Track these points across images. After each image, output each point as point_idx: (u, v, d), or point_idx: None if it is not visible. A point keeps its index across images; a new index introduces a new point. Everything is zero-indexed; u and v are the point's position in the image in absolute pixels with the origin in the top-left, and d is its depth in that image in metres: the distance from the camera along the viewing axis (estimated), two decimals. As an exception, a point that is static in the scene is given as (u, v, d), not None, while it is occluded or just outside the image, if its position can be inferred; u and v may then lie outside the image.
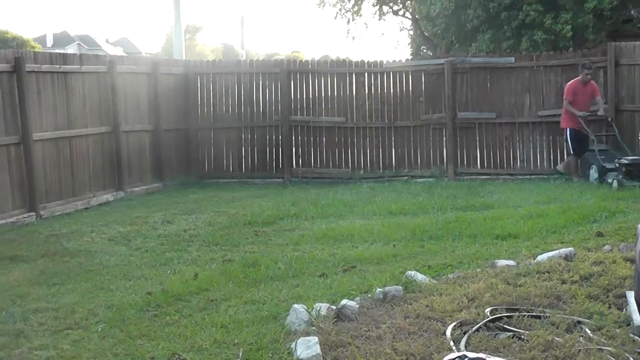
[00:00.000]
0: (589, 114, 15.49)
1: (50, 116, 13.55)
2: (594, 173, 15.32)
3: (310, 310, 6.22)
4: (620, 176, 14.34)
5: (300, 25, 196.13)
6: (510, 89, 17.34)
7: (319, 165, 18.13)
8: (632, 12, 24.65)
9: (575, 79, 15.67)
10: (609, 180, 14.50)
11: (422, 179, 17.20)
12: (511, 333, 5.63)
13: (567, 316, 5.93)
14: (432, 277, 7.61)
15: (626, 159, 14.56)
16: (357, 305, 6.42)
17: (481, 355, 4.04)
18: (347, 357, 5.34)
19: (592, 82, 15.76)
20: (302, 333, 5.83)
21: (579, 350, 5.20)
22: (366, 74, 18.10)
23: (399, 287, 6.91)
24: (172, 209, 13.60)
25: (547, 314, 5.96)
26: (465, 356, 3.94)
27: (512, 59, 17.59)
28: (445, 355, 4.13)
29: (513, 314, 6.00)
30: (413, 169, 17.77)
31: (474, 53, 21.98)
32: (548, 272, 7.23)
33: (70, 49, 75.56)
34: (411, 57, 30.83)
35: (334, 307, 6.35)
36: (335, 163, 18.09)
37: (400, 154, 17.90)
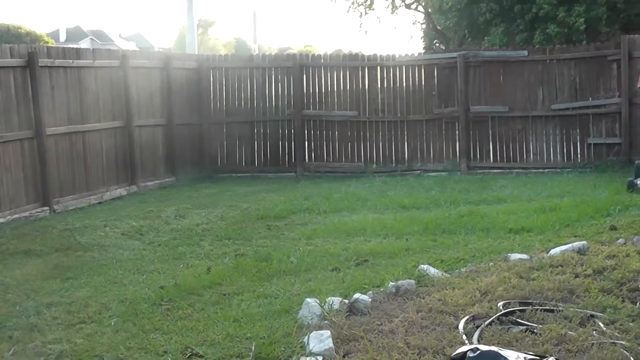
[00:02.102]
0: None
1: (64, 111, 13.59)
2: None
3: (322, 304, 6.22)
4: None
5: (312, 19, 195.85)
6: (523, 83, 17.27)
7: (331, 160, 18.13)
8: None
9: None
10: None
11: (434, 173, 17.18)
12: (524, 327, 5.61)
13: (581, 310, 5.91)
14: (445, 271, 7.60)
15: None
16: (370, 299, 6.42)
17: (494, 347, 4.04)
18: (359, 351, 5.34)
19: None
20: (314, 327, 5.84)
21: (592, 344, 5.18)
22: (379, 67, 18.07)
23: (412, 281, 6.91)
24: (185, 204, 13.62)
25: (560, 308, 5.95)
26: (478, 349, 3.94)
27: (525, 52, 17.53)
28: (457, 349, 4.12)
29: (526, 307, 5.99)
30: (426, 163, 17.74)
31: (486, 46, 21.89)
32: (561, 266, 7.21)
33: (83, 44, 75.70)
34: (424, 51, 30.69)
35: (346, 301, 6.35)
36: (348, 157, 18.08)
37: (413, 147, 17.88)
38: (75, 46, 21.96)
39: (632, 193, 12.38)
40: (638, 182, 12.79)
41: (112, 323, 6.68)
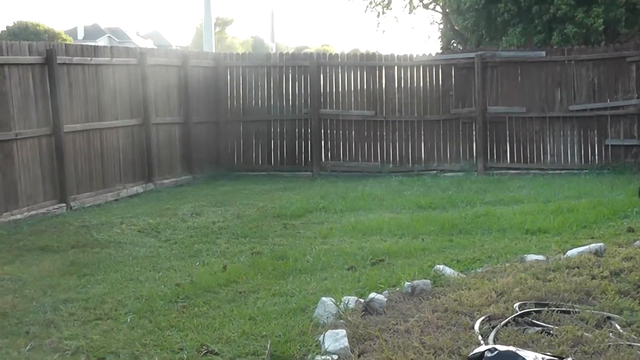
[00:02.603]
0: None
1: (81, 108, 13.64)
2: None
3: (338, 303, 6.23)
4: None
5: (330, 19, 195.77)
6: (540, 83, 17.22)
7: (348, 159, 18.12)
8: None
9: None
10: None
11: (451, 173, 17.15)
12: (540, 328, 5.60)
13: (597, 312, 5.89)
14: (461, 272, 7.60)
15: None
16: (385, 299, 6.42)
17: (511, 348, 4.04)
18: (375, 350, 5.34)
19: None
20: (330, 326, 5.84)
21: (609, 346, 5.17)
22: (396, 67, 18.05)
23: (428, 281, 6.90)
24: (201, 201, 13.65)
25: (577, 310, 5.93)
26: (495, 349, 3.93)
27: (543, 53, 17.48)
28: (474, 349, 4.11)
29: (542, 309, 5.97)
30: (442, 163, 17.71)
31: (504, 47, 21.84)
32: (578, 268, 7.18)
33: (101, 42, 75.94)
34: (441, 51, 30.67)
35: (362, 301, 6.36)
36: (365, 157, 18.06)
37: (430, 147, 17.85)
38: (93, 44, 22.04)
39: None
40: None
41: (128, 320, 6.71)
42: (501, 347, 3.93)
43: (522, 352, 3.84)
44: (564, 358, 3.96)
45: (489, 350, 3.88)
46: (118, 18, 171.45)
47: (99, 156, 14.04)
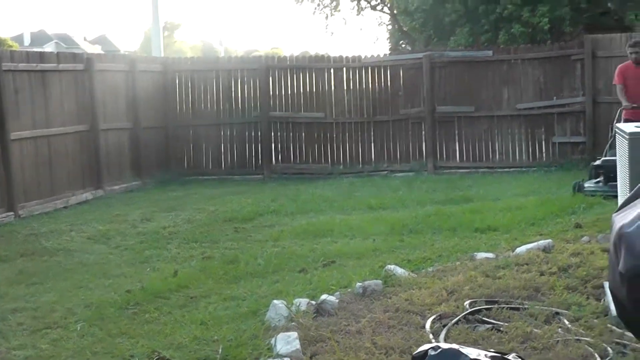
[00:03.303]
0: (636, 105, 12.61)
1: (28, 115, 13.47)
2: None
3: (290, 305, 6.22)
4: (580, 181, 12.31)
5: (279, 22, 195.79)
6: (488, 83, 17.36)
7: (298, 161, 18.12)
8: (609, 4, 24.79)
9: (626, 62, 13.01)
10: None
11: (401, 174, 17.22)
12: (490, 325, 5.65)
13: (546, 308, 5.95)
14: (412, 271, 7.62)
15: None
16: (337, 300, 6.43)
17: (454, 345, 4.05)
18: (326, 352, 5.34)
19: None
20: (281, 329, 5.82)
21: (557, 341, 5.23)
22: (345, 69, 18.08)
23: (379, 282, 6.92)
24: (152, 207, 13.57)
25: (526, 306, 5.99)
26: (439, 347, 3.95)
27: (490, 53, 17.64)
28: (419, 348, 4.14)
29: (492, 306, 6.02)
30: (392, 164, 17.77)
31: (452, 47, 22.02)
32: (527, 264, 7.26)
33: (48, 48, 75.18)
34: (390, 52, 30.82)
35: (313, 303, 6.35)
36: (315, 158, 18.07)
37: (380, 148, 17.91)
38: (39, 50, 21.81)
39: (579, 195, 11.77)
40: (585, 184, 12.11)
41: (78, 328, 6.62)
42: (445, 345, 3.95)
43: (465, 350, 3.85)
44: (507, 354, 3.99)
45: (432, 348, 3.89)
46: (65, 24, 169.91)
47: (47, 163, 13.88)
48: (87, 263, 9.37)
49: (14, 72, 13.12)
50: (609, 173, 11.45)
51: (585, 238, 8.62)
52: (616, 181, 11.22)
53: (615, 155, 12.16)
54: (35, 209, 13.25)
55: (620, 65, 12.87)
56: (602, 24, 24.89)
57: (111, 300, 7.42)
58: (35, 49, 28.70)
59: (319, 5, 36.01)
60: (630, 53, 12.69)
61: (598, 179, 11.95)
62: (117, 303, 7.32)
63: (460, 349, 3.89)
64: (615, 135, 12.62)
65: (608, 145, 12.48)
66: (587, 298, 6.18)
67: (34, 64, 13.69)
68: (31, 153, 13.49)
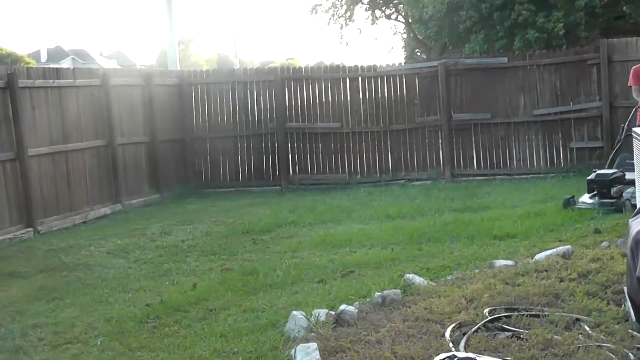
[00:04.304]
0: None
1: (46, 131, 13.55)
2: None
3: (309, 316, 6.22)
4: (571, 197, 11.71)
5: (294, 33, 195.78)
6: (504, 89, 17.31)
7: (315, 172, 18.13)
8: (624, 8, 24.69)
9: None
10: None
11: (419, 182, 17.19)
12: (510, 333, 5.62)
13: (566, 314, 5.92)
14: (431, 280, 7.61)
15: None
16: (356, 310, 6.41)
17: (470, 354, 4.04)
18: (346, 362, 5.33)
19: None
20: (301, 340, 5.82)
21: (578, 347, 5.19)
22: (360, 78, 18.07)
23: (398, 291, 6.90)
24: (170, 220, 13.59)
25: (546, 313, 5.95)
26: (455, 356, 3.94)
27: (505, 59, 17.57)
28: (435, 357, 4.13)
29: (512, 313, 5.99)
30: (410, 172, 17.75)
31: (467, 54, 21.99)
32: (546, 271, 7.22)
33: (65, 64, 75.54)
34: (405, 60, 30.82)
35: (332, 313, 6.34)
36: (332, 169, 18.08)
37: (397, 157, 17.89)
38: (56, 66, 21.92)
39: (569, 210, 11.30)
40: (580, 199, 11.59)
41: (99, 342, 6.65)
42: (461, 354, 3.94)
43: (481, 358, 3.84)
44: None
45: (448, 357, 3.88)
46: (81, 39, 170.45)
47: (65, 179, 13.95)
48: (106, 277, 9.39)
49: (30, 88, 13.20)
50: (602, 187, 11.19)
51: (604, 243, 8.58)
52: (610, 196, 11.07)
53: (621, 163, 11.99)
54: (54, 224, 13.31)
55: (635, 67, 12.74)
56: (618, 28, 24.81)
57: (131, 315, 7.44)
58: (52, 65, 28.85)
59: (333, 15, 36.03)
60: None
61: (593, 193, 11.47)
62: (137, 317, 7.33)
63: (477, 358, 3.88)
64: (622, 140, 12.58)
65: (613, 152, 12.32)
66: (608, 304, 6.15)
67: (51, 80, 13.77)
68: (49, 169, 13.56)
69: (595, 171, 11.69)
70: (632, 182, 10.52)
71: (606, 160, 13.15)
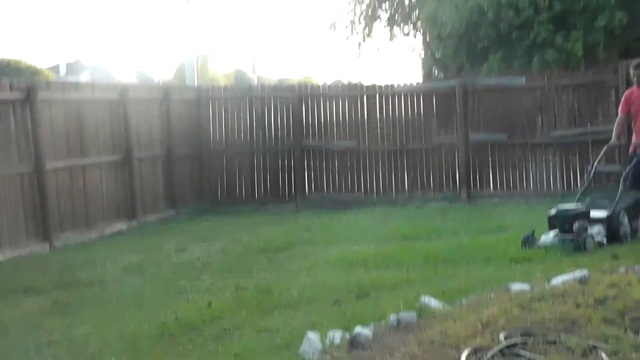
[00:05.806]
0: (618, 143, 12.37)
1: (64, 145, 13.61)
2: None
3: (323, 338, 6.19)
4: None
5: (311, 50, 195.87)
6: (522, 110, 17.26)
7: (331, 190, 18.10)
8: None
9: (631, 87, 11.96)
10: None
11: (435, 202, 17.11)
12: (526, 359, 5.58)
13: (583, 341, 5.87)
14: (446, 303, 7.55)
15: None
16: (371, 333, 6.37)
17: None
18: (361, 386, 5.30)
19: None
20: (316, 363, 5.80)
21: (595, 376, 5.15)
22: (377, 97, 18.07)
23: (413, 314, 6.86)
24: (185, 237, 13.60)
25: (562, 339, 5.91)
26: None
27: (523, 79, 17.56)
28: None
29: (528, 339, 5.95)
30: (426, 192, 17.69)
31: (485, 73, 21.94)
32: (562, 296, 7.16)
33: (84, 77, 75.81)
34: (422, 79, 30.78)
35: (347, 335, 6.31)
36: (348, 187, 18.05)
37: (413, 177, 17.85)
38: (75, 80, 22.03)
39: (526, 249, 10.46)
40: (543, 236, 10.73)
41: (113, 360, 6.65)
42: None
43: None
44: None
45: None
46: (100, 54, 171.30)
47: (82, 193, 13.99)
48: (121, 294, 9.39)
49: (49, 101, 13.25)
50: (564, 223, 10.44)
51: (622, 269, 8.49)
52: (572, 231, 10.28)
53: (591, 204, 10.96)
54: (70, 239, 13.33)
55: (626, 92, 11.94)
56: (637, 49, 24.69)
57: (145, 332, 7.44)
58: (71, 79, 29.01)
59: (352, 30, 36.07)
60: (633, 76, 11.52)
61: (555, 230, 10.62)
62: (151, 335, 7.33)
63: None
64: (592, 181, 12.10)
65: (580, 191, 11.74)
66: (625, 331, 6.08)
67: (70, 94, 13.82)
68: (66, 183, 13.60)
69: (557, 207, 10.89)
70: (597, 220, 10.45)
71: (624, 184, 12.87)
